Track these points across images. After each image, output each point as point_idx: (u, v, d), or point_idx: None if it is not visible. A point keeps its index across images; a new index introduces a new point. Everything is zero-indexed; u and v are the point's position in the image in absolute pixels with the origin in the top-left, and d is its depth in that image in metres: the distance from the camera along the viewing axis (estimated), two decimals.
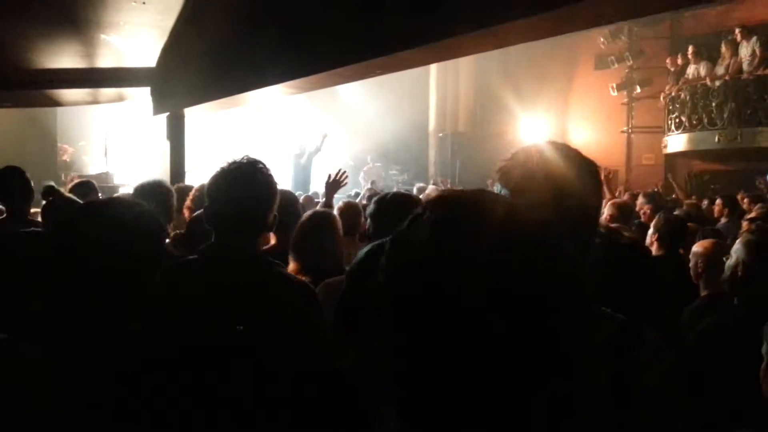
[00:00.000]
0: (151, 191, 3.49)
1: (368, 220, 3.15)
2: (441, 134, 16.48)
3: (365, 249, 1.64)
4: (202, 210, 2.43)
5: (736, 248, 2.40)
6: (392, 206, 2.64)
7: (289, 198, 3.62)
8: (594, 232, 1.39)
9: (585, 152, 1.39)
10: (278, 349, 1.86)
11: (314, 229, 2.97)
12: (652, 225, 3.93)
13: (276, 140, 14.74)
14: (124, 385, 1.47)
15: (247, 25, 5.84)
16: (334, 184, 4.49)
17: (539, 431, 0.71)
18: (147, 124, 11.08)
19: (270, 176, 2.07)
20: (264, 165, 2.09)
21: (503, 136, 14.53)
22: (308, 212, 3.19)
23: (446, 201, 0.73)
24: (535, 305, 0.67)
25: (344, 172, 4.66)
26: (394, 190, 7.83)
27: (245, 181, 2.02)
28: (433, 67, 15.88)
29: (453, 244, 0.68)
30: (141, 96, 8.90)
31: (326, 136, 12.82)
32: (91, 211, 1.66)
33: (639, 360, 1.27)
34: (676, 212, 5.58)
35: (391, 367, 0.74)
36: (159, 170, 9.18)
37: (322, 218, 3.08)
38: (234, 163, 2.06)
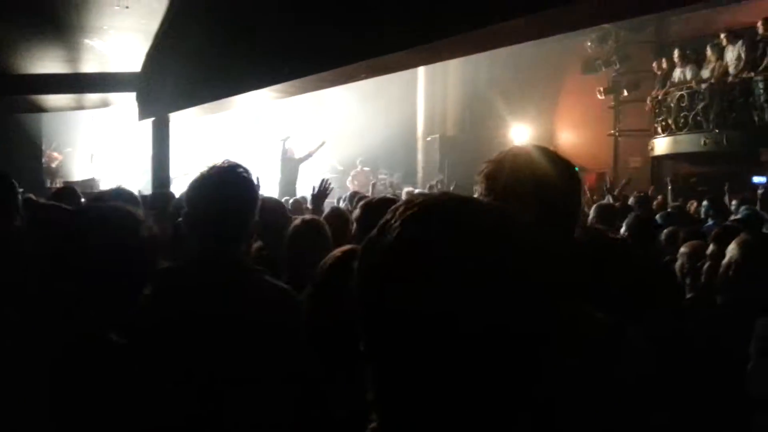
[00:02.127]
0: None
1: (354, 225, 3.13)
2: (429, 138, 16.48)
3: (332, 255, 1.61)
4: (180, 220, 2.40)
5: (731, 248, 2.40)
6: (378, 210, 2.60)
7: (275, 205, 3.60)
8: (572, 230, 1.41)
9: (573, 155, 1.41)
10: (261, 356, 1.83)
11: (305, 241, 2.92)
12: (624, 224, 3.96)
13: (266, 145, 14.69)
14: (107, 396, 1.44)
15: (232, 28, 5.81)
16: (320, 195, 4.48)
17: None
18: (133, 129, 11.01)
19: (250, 180, 2.04)
20: (244, 169, 2.05)
21: (492, 140, 14.56)
22: (298, 221, 3.15)
23: (413, 204, 0.72)
24: (507, 306, 0.66)
25: (328, 181, 4.65)
26: (382, 194, 7.81)
27: (225, 186, 1.98)
28: (421, 72, 15.89)
29: (421, 245, 0.67)
30: (126, 101, 8.84)
31: (324, 143, 12.78)
32: (80, 216, 1.62)
33: (620, 357, 1.26)
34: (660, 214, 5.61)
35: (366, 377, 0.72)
36: (145, 176, 9.12)
37: (313, 228, 3.04)
38: (214, 167, 2.02)
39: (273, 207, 3.55)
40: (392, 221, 0.71)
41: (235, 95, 6.16)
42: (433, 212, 0.71)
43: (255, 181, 2.07)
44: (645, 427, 1.35)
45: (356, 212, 3.15)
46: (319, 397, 1.71)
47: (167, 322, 1.82)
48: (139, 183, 11.03)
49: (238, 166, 2.04)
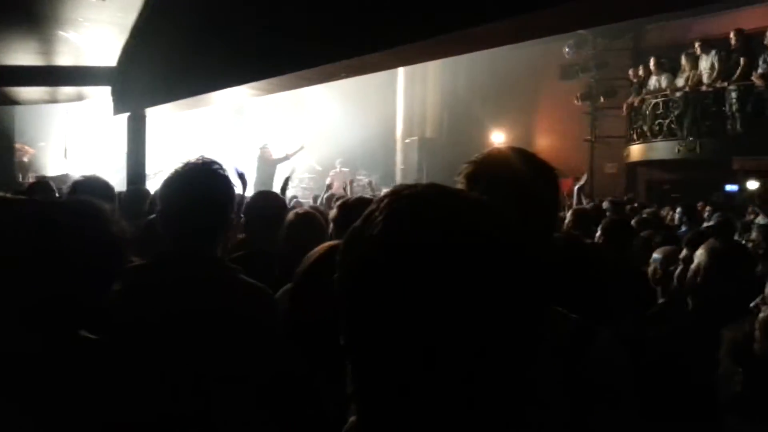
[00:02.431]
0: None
1: (331, 225, 3.12)
2: (408, 140, 16.52)
3: (316, 250, 1.61)
4: (153, 216, 2.37)
5: (699, 253, 2.43)
6: (355, 211, 2.60)
7: (270, 198, 3.56)
8: (551, 232, 1.42)
9: (549, 160, 1.42)
10: (236, 355, 1.81)
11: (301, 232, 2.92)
12: (599, 229, 4.02)
13: (243, 142, 14.60)
14: (80, 393, 1.41)
15: (211, 24, 5.75)
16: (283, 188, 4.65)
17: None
18: (108, 124, 10.85)
19: (226, 177, 2.02)
20: (220, 165, 2.03)
21: (470, 143, 14.63)
22: (291, 215, 3.15)
23: (399, 196, 0.71)
24: (493, 301, 0.65)
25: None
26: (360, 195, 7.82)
27: (200, 183, 1.96)
28: (401, 73, 15.93)
29: (406, 237, 0.66)
30: (101, 95, 8.71)
31: (303, 148, 12.77)
32: (49, 211, 1.58)
33: (593, 359, 1.26)
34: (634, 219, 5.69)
35: (347, 371, 0.71)
36: (120, 173, 9.00)
37: (307, 222, 3.04)
38: (188, 164, 1.99)
39: (267, 199, 3.53)
40: (377, 213, 0.69)
41: (213, 92, 6.10)
42: (420, 205, 0.69)
43: (241, 175, 2.05)
44: (619, 428, 1.36)
45: (333, 212, 3.14)
46: (310, 396, 1.70)
47: (140, 319, 1.79)
48: (114, 179, 10.87)
49: (213, 162, 2.02)
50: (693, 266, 2.42)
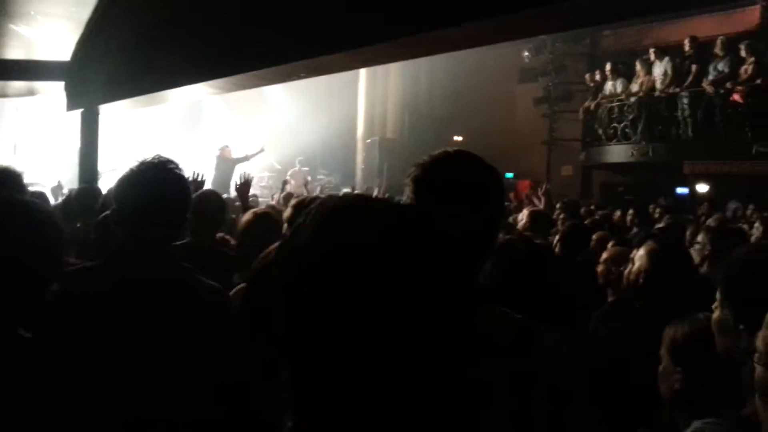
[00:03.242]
0: None
1: (285, 225, 3.11)
2: (369, 140, 16.54)
3: (269, 250, 1.61)
4: (106, 213, 2.33)
5: (639, 255, 2.50)
6: None
7: (212, 198, 3.52)
8: (497, 233, 1.45)
9: (508, 162, 1.45)
10: (186, 354, 1.80)
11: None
12: (559, 232, 4.11)
13: (202, 141, 14.39)
14: (19, 395, 1.38)
15: (168, 21, 5.66)
16: (244, 187, 4.63)
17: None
18: (61, 120, 10.57)
19: (181, 176, 2.00)
20: (176, 164, 2.00)
21: (430, 144, 14.69)
22: (248, 215, 3.13)
23: (326, 207, 0.74)
24: (416, 302, 0.67)
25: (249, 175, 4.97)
26: (318, 194, 7.82)
27: (156, 181, 1.93)
28: (362, 73, 15.94)
29: (332, 247, 0.69)
30: (54, 90, 8.48)
31: (263, 150, 12.68)
32: None
33: (538, 358, 1.30)
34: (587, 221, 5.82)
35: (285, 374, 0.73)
36: (71, 170, 8.79)
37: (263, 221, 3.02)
38: (143, 163, 1.96)
39: (209, 199, 3.48)
40: (305, 223, 0.72)
41: (169, 89, 6.00)
42: (344, 214, 0.72)
43: (200, 177, 2.04)
44: (563, 425, 1.39)
45: (287, 211, 3.11)
46: (257, 398, 1.69)
47: (88, 320, 1.76)
48: (66, 176, 10.62)
49: (169, 161, 1.99)
50: (634, 268, 2.50)
